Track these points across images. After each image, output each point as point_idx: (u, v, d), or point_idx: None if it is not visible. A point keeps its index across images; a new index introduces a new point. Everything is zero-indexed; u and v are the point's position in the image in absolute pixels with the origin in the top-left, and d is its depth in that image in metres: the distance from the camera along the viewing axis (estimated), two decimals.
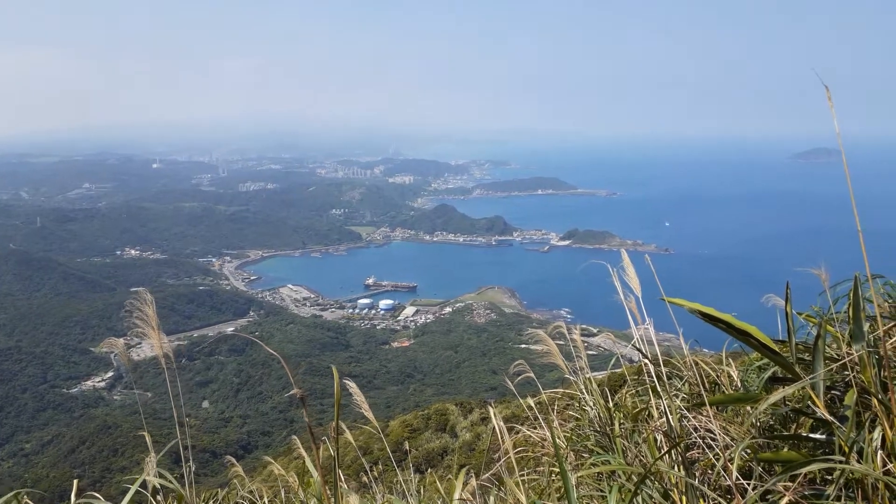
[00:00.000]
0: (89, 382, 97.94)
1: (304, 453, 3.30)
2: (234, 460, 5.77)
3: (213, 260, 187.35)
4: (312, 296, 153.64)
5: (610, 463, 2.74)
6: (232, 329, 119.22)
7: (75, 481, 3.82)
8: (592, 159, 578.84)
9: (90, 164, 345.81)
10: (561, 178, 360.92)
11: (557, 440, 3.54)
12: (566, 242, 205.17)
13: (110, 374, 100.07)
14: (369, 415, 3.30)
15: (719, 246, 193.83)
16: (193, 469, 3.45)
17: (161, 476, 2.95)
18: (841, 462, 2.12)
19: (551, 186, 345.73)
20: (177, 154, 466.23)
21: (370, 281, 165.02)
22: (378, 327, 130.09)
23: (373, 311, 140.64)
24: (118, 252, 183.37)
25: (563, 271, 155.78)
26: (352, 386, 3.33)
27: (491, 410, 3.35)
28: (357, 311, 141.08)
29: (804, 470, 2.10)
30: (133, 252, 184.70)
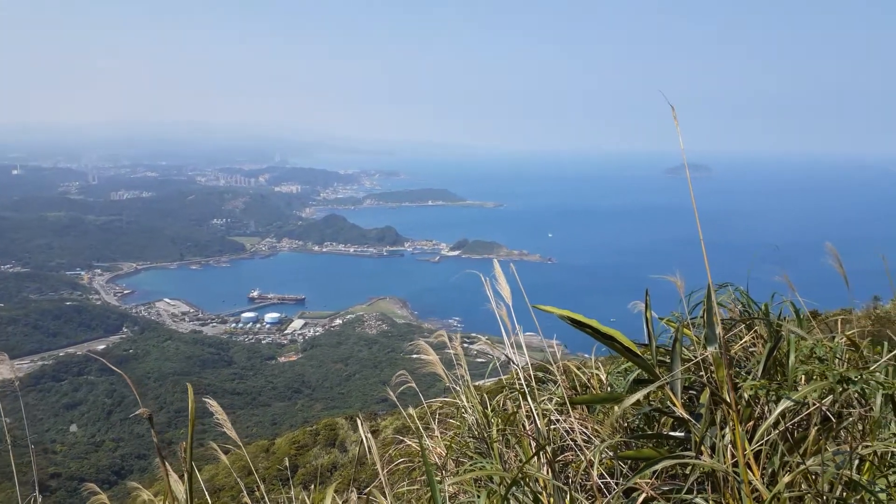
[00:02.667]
0: None
1: (168, 479, 3.07)
2: (95, 487, 5.32)
3: (82, 273, 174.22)
4: (192, 310, 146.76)
5: (485, 468, 2.76)
6: (103, 347, 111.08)
7: None
8: (481, 172, 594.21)
9: None
10: (451, 190, 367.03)
11: (427, 448, 3.54)
12: (456, 252, 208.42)
13: None
14: (232, 433, 3.13)
15: (597, 255, 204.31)
16: (40, 500, 3.14)
17: None
18: (691, 457, 2.24)
19: (441, 198, 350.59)
20: (40, 160, 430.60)
21: (255, 293, 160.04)
22: (263, 342, 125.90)
23: (258, 325, 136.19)
24: None
25: (458, 280, 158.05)
26: (213, 404, 3.16)
27: (359, 424, 3.28)
28: (241, 325, 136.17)
29: (658, 467, 2.20)
30: None
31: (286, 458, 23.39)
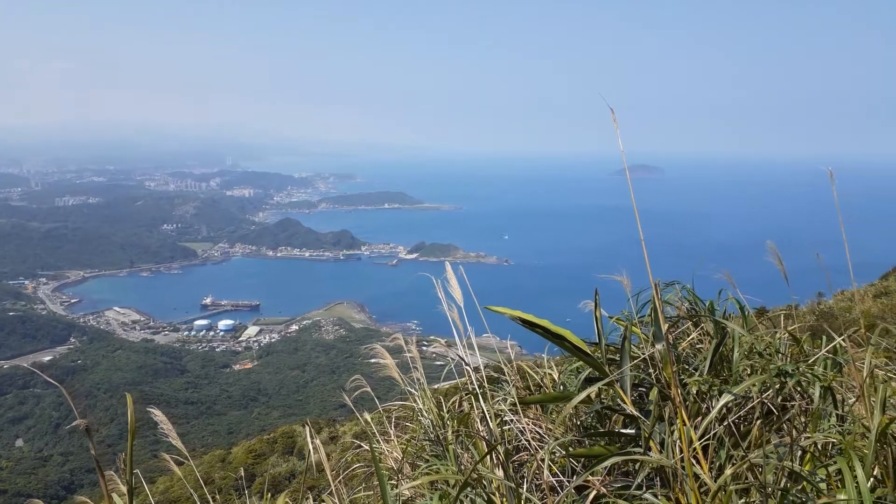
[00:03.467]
0: None
1: (108, 494, 2.98)
2: (40, 502, 5.14)
3: (26, 282, 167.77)
4: (143, 318, 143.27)
5: (439, 471, 2.75)
6: (49, 358, 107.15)
7: None
8: (437, 174, 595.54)
9: None
10: (408, 193, 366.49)
11: (383, 452, 3.52)
12: (414, 255, 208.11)
13: None
14: (177, 443, 3.05)
15: (553, 256, 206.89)
16: None
17: None
18: (640, 453, 2.28)
19: (398, 201, 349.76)
20: None
21: (208, 300, 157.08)
22: (218, 349, 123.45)
23: (211, 333, 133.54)
24: None
25: (412, 284, 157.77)
26: (157, 414, 3.07)
27: (307, 431, 3.23)
28: (194, 333, 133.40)
29: (606, 463, 2.23)
30: None
31: (242, 468, 22.96)
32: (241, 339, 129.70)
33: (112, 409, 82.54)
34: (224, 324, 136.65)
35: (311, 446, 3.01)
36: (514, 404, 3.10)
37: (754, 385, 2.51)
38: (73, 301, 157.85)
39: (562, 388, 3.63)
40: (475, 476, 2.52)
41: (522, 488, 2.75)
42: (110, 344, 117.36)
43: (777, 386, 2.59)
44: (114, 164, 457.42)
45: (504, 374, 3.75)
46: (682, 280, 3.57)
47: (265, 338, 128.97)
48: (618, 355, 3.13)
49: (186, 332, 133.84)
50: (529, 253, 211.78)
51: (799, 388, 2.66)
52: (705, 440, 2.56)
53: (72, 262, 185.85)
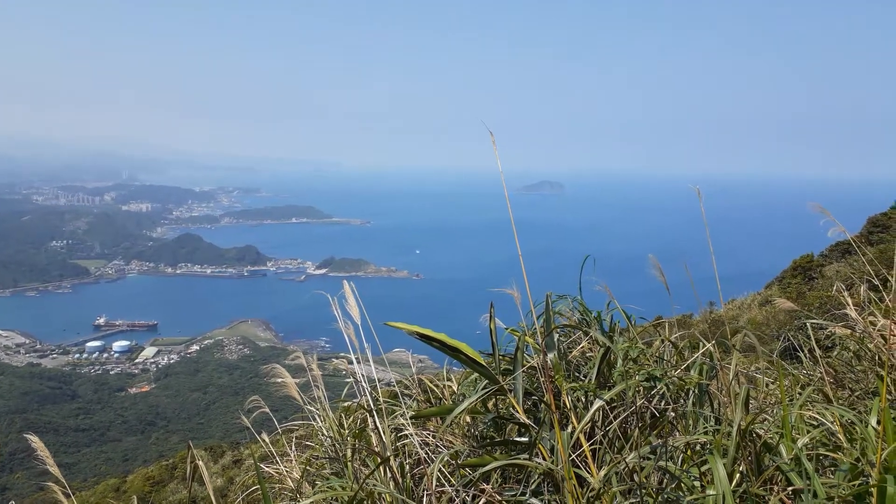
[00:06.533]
0: None
1: None
2: None
3: None
4: (28, 341, 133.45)
5: (332, 488, 2.74)
6: None
7: None
8: (346, 189, 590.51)
9: None
10: (316, 207, 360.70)
11: (282, 473, 3.46)
12: (323, 271, 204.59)
13: None
14: (55, 470, 2.88)
15: (462, 270, 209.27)
16: None
17: None
18: (525, 459, 2.37)
19: (306, 215, 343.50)
20: None
21: (101, 321, 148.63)
22: (112, 372, 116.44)
23: (105, 355, 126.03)
24: None
25: (321, 300, 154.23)
26: (34, 440, 2.89)
27: (190, 454, 3.13)
28: (85, 355, 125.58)
29: (486, 469, 2.30)
30: None
31: (135, 497, 21.67)
32: (137, 360, 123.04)
33: None
34: (119, 345, 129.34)
35: (198, 467, 2.91)
36: (413, 417, 3.13)
37: (629, 389, 2.66)
38: None
39: (461, 399, 3.70)
40: (366, 491, 2.53)
41: (423, 501, 2.77)
42: None
43: (653, 390, 2.76)
44: None
45: (407, 389, 3.78)
46: (576, 292, 3.73)
47: (164, 359, 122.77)
48: (512, 365, 3.24)
49: (77, 355, 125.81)
50: (440, 267, 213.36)
51: (673, 392, 2.84)
52: (592, 444, 2.69)
53: None
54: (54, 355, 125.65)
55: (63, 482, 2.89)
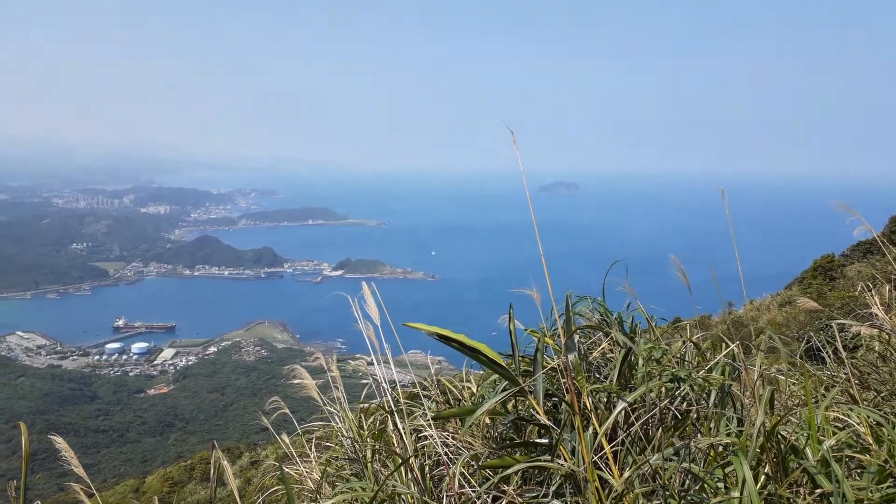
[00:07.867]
0: None
1: None
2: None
3: None
4: (49, 343, 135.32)
5: (353, 489, 2.75)
6: None
7: None
8: (362, 190, 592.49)
9: None
10: (332, 209, 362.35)
11: (303, 474, 3.47)
12: (339, 272, 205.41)
13: None
14: (79, 470, 2.91)
15: (479, 270, 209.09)
16: None
17: None
18: (547, 461, 2.36)
19: (322, 217, 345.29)
20: None
21: (120, 323, 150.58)
22: (131, 374, 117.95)
23: (124, 357, 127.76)
24: None
25: (337, 302, 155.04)
26: (59, 442, 2.93)
27: (219, 454, 3.15)
28: (105, 357, 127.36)
29: (510, 471, 2.29)
30: None
31: (156, 498, 21.92)
32: (155, 362, 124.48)
33: (14, 440, 77.01)
34: (138, 347, 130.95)
35: (215, 468, 2.93)
36: (434, 419, 3.13)
37: (651, 391, 2.64)
38: None
39: (481, 400, 3.69)
40: (388, 492, 2.53)
41: (443, 502, 2.77)
42: (12, 371, 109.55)
43: (676, 391, 2.74)
44: (17, 180, 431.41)
45: (426, 390, 3.78)
46: (593, 293, 3.72)
47: (182, 360, 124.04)
48: (532, 367, 3.23)
49: (97, 357, 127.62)
50: (456, 268, 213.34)
51: (696, 394, 2.82)
52: (614, 446, 2.67)
53: None
54: (74, 357, 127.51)
55: (88, 482, 2.93)
